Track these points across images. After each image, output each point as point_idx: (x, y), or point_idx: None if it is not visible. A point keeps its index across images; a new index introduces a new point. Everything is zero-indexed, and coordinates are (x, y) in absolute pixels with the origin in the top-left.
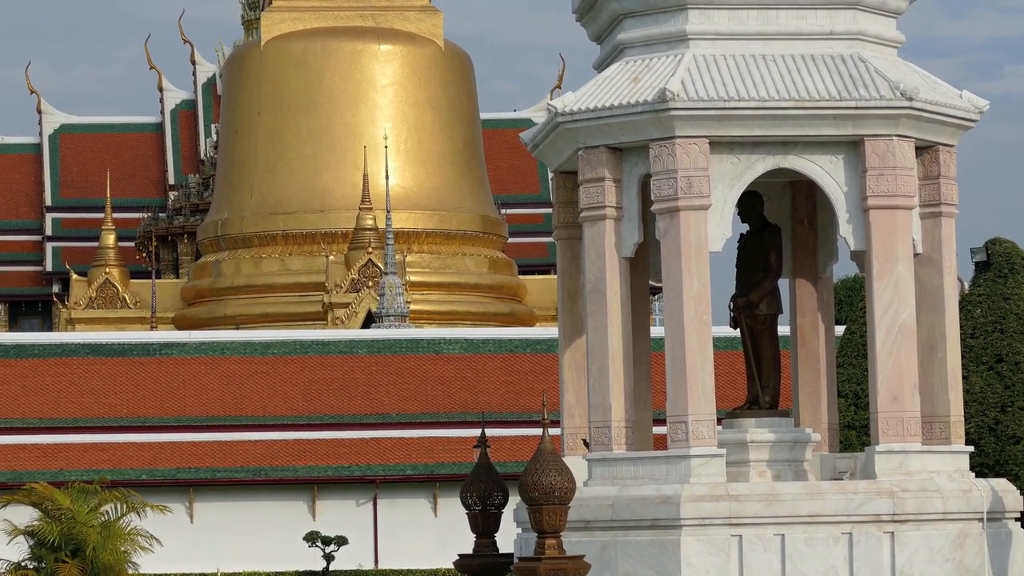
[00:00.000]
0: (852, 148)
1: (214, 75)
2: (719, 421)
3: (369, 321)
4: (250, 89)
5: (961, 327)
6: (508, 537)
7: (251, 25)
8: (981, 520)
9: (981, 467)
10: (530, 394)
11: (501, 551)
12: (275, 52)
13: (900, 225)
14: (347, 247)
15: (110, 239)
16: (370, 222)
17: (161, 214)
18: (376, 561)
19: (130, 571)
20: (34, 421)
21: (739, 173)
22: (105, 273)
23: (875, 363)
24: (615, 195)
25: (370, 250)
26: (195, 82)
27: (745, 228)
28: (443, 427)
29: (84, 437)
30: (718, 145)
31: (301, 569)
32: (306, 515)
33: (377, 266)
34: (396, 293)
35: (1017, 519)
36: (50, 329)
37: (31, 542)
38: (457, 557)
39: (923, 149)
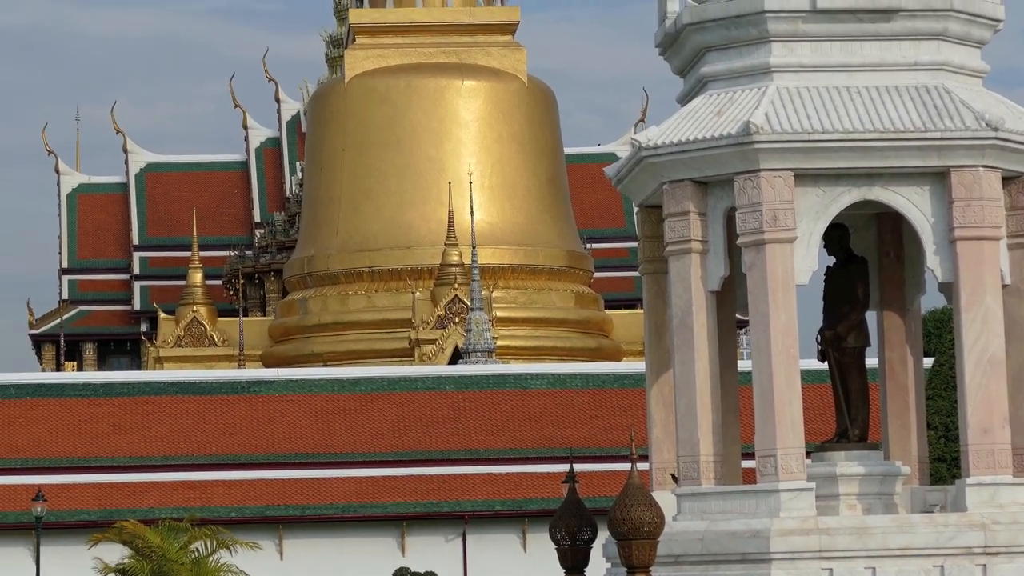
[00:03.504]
0: (938, 179)
1: (298, 113)
2: (808, 455)
3: (456, 357)
4: (335, 126)
5: None
6: (597, 572)
7: (335, 62)
8: None
9: None
10: (618, 429)
11: None
12: (359, 89)
13: (988, 256)
14: (433, 283)
15: (197, 277)
16: (456, 258)
17: (247, 252)
18: None
19: None
20: (124, 459)
21: (824, 205)
22: (193, 311)
23: (965, 395)
24: (700, 229)
25: (456, 286)
26: (280, 120)
27: (831, 261)
28: (531, 463)
29: (174, 475)
30: (803, 178)
31: None
32: (395, 551)
33: (463, 302)
34: (483, 329)
35: None
36: (138, 368)
37: None
38: None
39: (1009, 179)
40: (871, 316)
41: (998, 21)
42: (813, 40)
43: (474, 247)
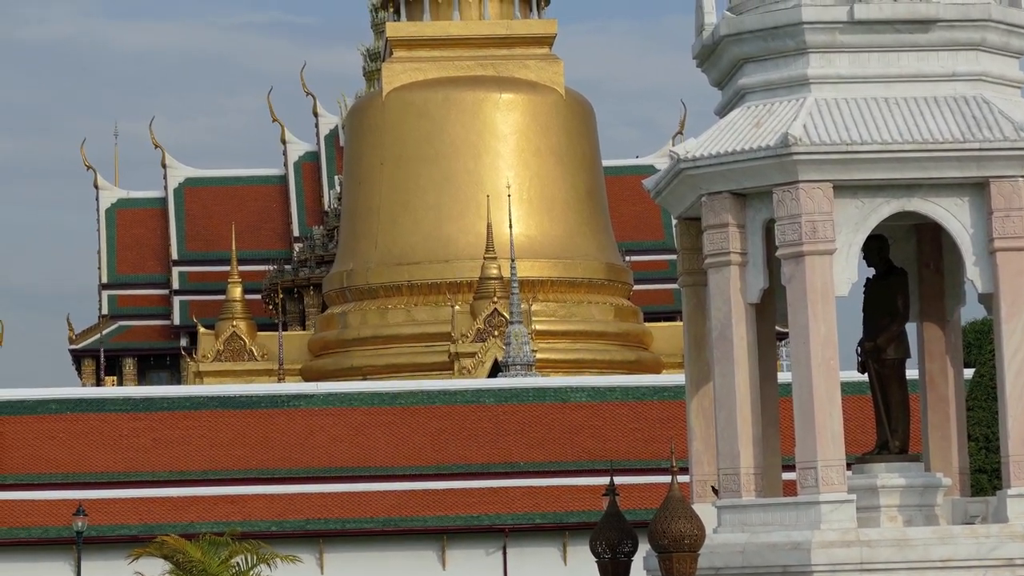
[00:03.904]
0: (977, 190)
1: (336, 127)
2: (849, 467)
3: (495, 370)
4: (372, 140)
5: None
6: None
7: (372, 76)
8: None
9: None
10: (658, 441)
11: None
12: (397, 103)
13: None
14: (472, 297)
15: (236, 292)
16: (495, 271)
17: (286, 266)
18: None
19: None
20: (164, 474)
21: (863, 217)
22: (232, 326)
23: (1005, 406)
24: (739, 241)
25: (495, 299)
26: (318, 134)
27: (871, 272)
28: (571, 475)
29: (214, 489)
30: (842, 189)
31: None
32: (436, 565)
33: (503, 315)
34: (522, 342)
35: None
36: (178, 382)
37: None
38: None
39: None
40: (911, 327)
41: None
42: (851, 51)
43: (513, 260)
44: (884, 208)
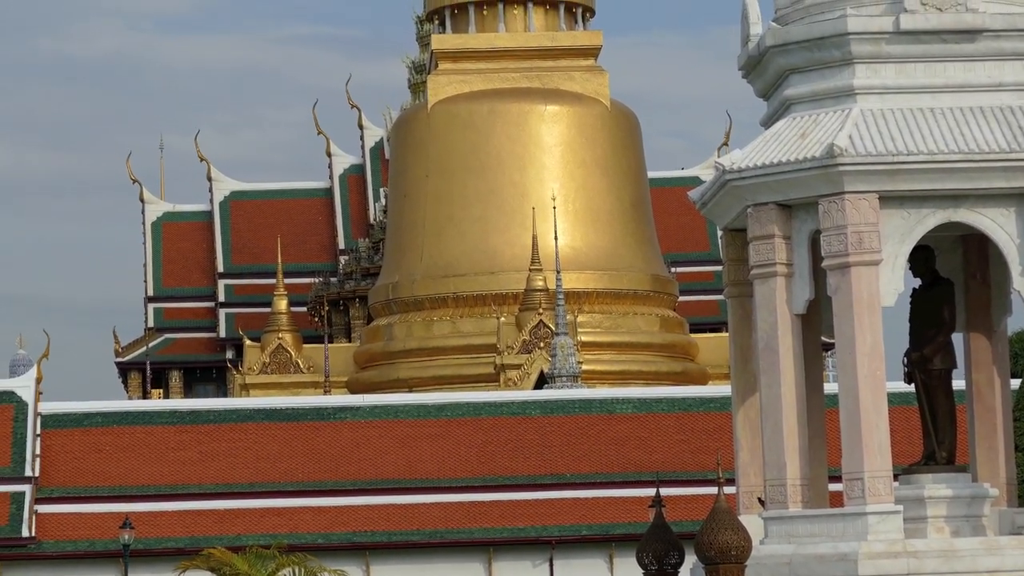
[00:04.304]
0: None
1: (382, 139)
2: (896, 477)
3: (541, 382)
4: (418, 152)
5: None
6: None
7: (417, 88)
8: None
9: None
10: (704, 453)
11: None
12: (442, 115)
13: None
14: (518, 308)
15: (282, 304)
16: (540, 283)
17: (332, 279)
18: None
19: None
20: (210, 487)
21: (910, 227)
22: (278, 338)
23: None
24: (785, 252)
25: (541, 311)
26: (363, 146)
27: (917, 283)
28: (617, 487)
29: (260, 502)
30: (888, 200)
31: None
32: None
33: (548, 327)
34: (568, 353)
35: None
36: (224, 395)
37: None
38: None
39: None
40: (957, 338)
41: None
42: (897, 61)
43: (558, 272)
44: (930, 219)
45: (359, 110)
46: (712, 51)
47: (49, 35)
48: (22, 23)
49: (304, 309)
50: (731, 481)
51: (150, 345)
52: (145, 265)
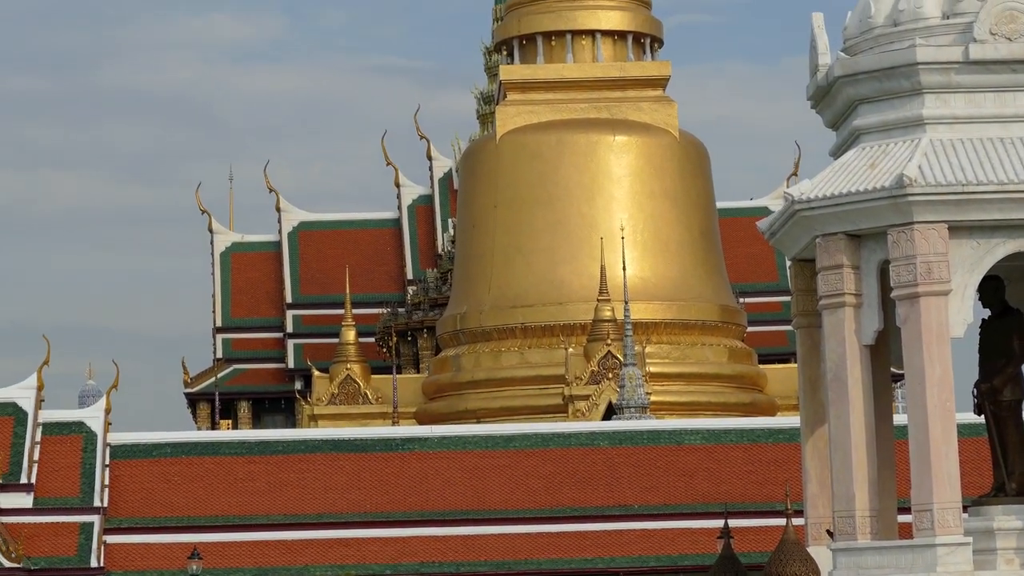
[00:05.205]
0: None
1: (450, 170)
2: (965, 509)
3: (610, 413)
4: (486, 183)
5: None
6: None
7: (486, 119)
8: None
9: None
10: (773, 484)
11: None
12: (511, 145)
13: None
14: (586, 339)
15: (350, 335)
16: (608, 314)
17: (400, 309)
18: None
19: None
20: (279, 517)
21: (979, 257)
22: (347, 369)
23: None
24: (854, 282)
25: (609, 342)
26: (431, 177)
27: (987, 313)
28: (686, 518)
29: (329, 532)
30: (957, 229)
31: None
32: None
33: (616, 358)
34: (636, 384)
35: None
36: (293, 426)
37: None
38: None
39: None
40: None
41: None
42: (966, 91)
43: (627, 302)
44: (1000, 249)
45: (428, 141)
46: (781, 81)
47: (120, 67)
48: (94, 56)
49: (372, 339)
50: (799, 512)
51: (219, 376)
52: (214, 296)
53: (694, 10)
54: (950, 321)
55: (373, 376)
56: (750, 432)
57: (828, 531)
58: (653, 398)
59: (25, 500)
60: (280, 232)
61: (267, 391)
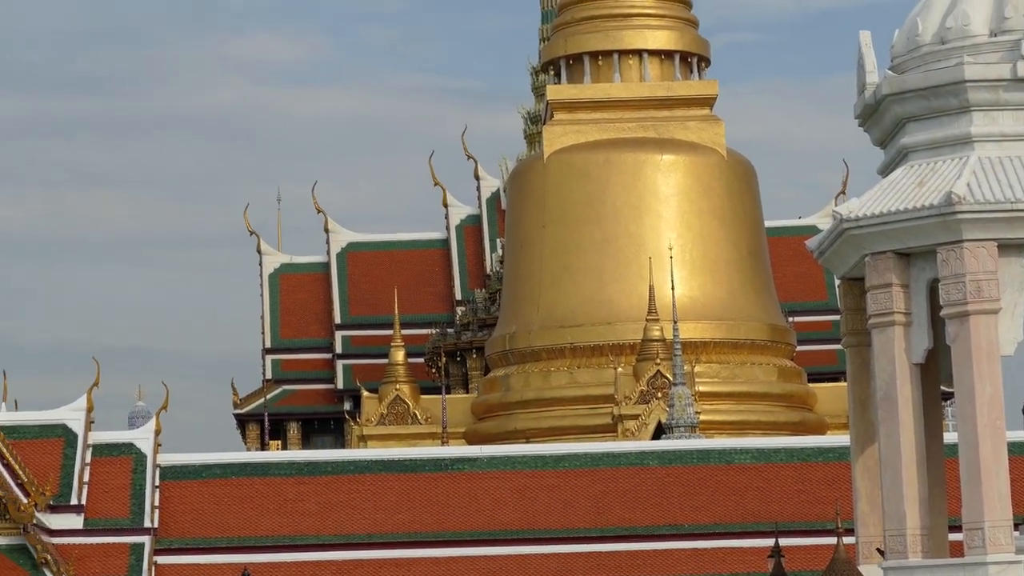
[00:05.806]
0: None
1: (498, 190)
2: (1016, 527)
3: (659, 432)
4: (534, 202)
5: None
6: None
7: (533, 139)
8: None
9: None
10: (823, 503)
11: None
12: (558, 165)
13: None
14: (635, 359)
15: (399, 355)
16: (657, 333)
17: (449, 329)
18: None
19: None
20: (329, 538)
21: None
22: (396, 389)
23: None
24: (903, 301)
25: (658, 361)
26: (479, 197)
27: None
28: (736, 537)
29: (379, 553)
30: (1007, 248)
31: None
32: None
33: (666, 377)
34: (686, 404)
35: None
36: (342, 446)
37: None
38: None
39: None
40: None
41: None
42: (1014, 109)
43: (675, 322)
44: None
45: (475, 161)
46: (829, 100)
47: (169, 90)
48: (141, 77)
49: (421, 360)
50: (850, 531)
51: (268, 397)
52: (263, 317)
53: (741, 29)
54: (1000, 339)
55: (422, 396)
56: (800, 451)
57: (879, 550)
58: (703, 417)
59: (76, 521)
60: (328, 253)
61: (316, 412)
